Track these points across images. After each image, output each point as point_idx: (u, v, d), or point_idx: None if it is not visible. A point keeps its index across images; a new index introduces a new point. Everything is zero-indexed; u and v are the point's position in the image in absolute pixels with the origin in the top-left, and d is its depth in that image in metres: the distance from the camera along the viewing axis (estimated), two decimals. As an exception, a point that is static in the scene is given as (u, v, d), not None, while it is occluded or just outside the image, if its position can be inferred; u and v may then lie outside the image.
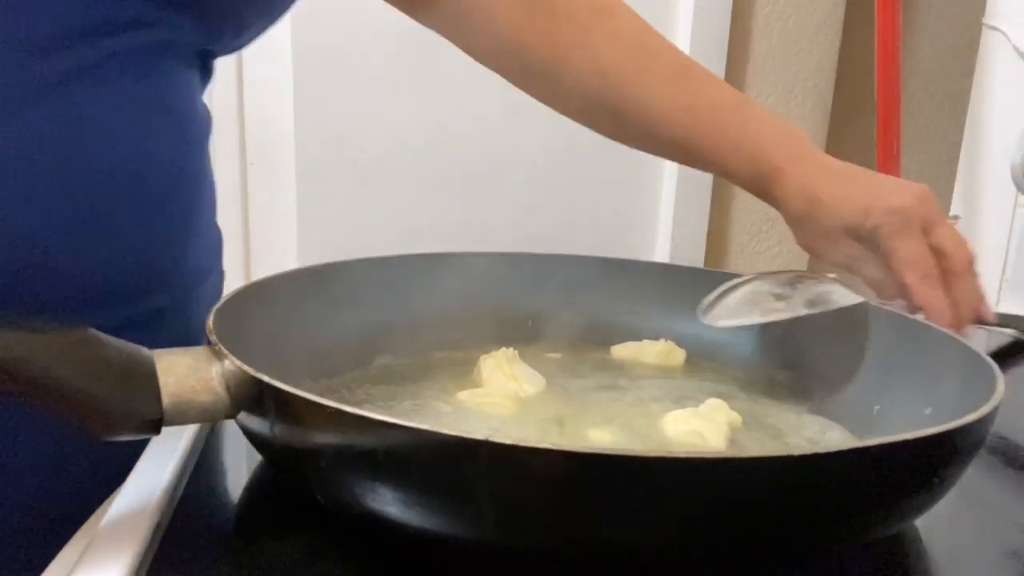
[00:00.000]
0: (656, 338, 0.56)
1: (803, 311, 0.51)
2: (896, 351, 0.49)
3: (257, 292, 0.48)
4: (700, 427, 0.43)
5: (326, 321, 0.52)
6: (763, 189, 0.59)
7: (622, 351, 0.56)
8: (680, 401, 0.47)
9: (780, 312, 0.51)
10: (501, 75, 0.63)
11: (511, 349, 0.51)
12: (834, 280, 0.53)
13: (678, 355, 0.55)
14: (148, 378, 0.35)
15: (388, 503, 0.32)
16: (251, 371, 0.34)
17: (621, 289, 0.59)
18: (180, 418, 0.36)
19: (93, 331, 0.35)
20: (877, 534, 0.35)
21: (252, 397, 0.35)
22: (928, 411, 0.42)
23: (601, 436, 0.43)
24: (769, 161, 0.57)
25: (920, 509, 0.35)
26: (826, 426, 0.47)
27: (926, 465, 0.33)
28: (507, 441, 0.29)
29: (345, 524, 0.37)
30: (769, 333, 0.55)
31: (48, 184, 0.41)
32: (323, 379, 0.49)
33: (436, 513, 0.32)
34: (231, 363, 0.35)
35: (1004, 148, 1.04)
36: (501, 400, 0.47)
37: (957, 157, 1.17)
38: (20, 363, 0.32)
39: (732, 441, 0.43)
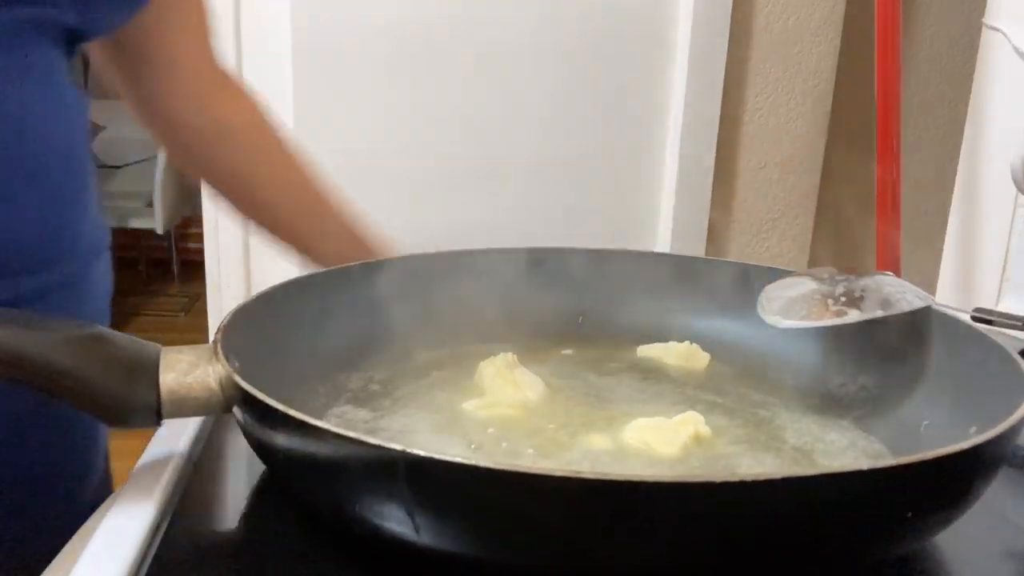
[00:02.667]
0: (684, 339, 0.55)
1: (879, 313, 0.47)
2: (955, 361, 0.46)
3: (275, 297, 0.49)
4: (653, 437, 0.43)
5: (340, 323, 0.52)
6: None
7: (648, 351, 0.56)
8: (671, 408, 0.47)
9: (854, 315, 0.47)
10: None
11: (511, 354, 0.51)
12: (891, 276, 0.50)
13: (701, 358, 0.55)
14: (149, 374, 0.38)
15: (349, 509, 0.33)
16: (234, 375, 0.36)
17: (662, 286, 0.59)
18: (177, 412, 0.38)
19: (103, 329, 0.38)
20: (892, 551, 0.34)
21: (235, 397, 0.37)
22: (973, 430, 0.38)
23: (602, 442, 0.44)
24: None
25: (943, 524, 0.34)
26: (858, 440, 0.45)
27: (938, 484, 0.32)
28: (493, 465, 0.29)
29: (341, 529, 0.37)
30: (821, 337, 0.53)
31: None
32: (339, 376, 0.50)
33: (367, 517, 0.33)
34: (222, 365, 0.37)
35: (1004, 148, 1.04)
36: (508, 410, 0.47)
37: (957, 157, 1.17)
38: (34, 358, 0.36)
39: (691, 453, 0.42)
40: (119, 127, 3.88)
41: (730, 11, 1.42)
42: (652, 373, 0.53)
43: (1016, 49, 1.05)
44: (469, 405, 0.47)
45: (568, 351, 0.56)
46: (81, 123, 0.52)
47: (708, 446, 0.43)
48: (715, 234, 1.54)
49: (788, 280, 0.51)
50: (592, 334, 0.58)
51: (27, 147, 0.46)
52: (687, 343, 0.55)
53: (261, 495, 0.41)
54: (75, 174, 0.51)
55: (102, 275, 0.55)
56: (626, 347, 0.56)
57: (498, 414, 0.46)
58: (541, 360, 0.53)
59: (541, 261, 0.60)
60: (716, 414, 0.48)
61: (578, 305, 0.59)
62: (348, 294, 0.53)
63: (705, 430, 0.44)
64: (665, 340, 0.56)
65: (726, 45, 1.43)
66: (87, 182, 0.52)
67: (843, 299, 0.48)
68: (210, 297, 1.28)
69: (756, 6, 1.44)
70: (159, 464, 0.42)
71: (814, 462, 0.43)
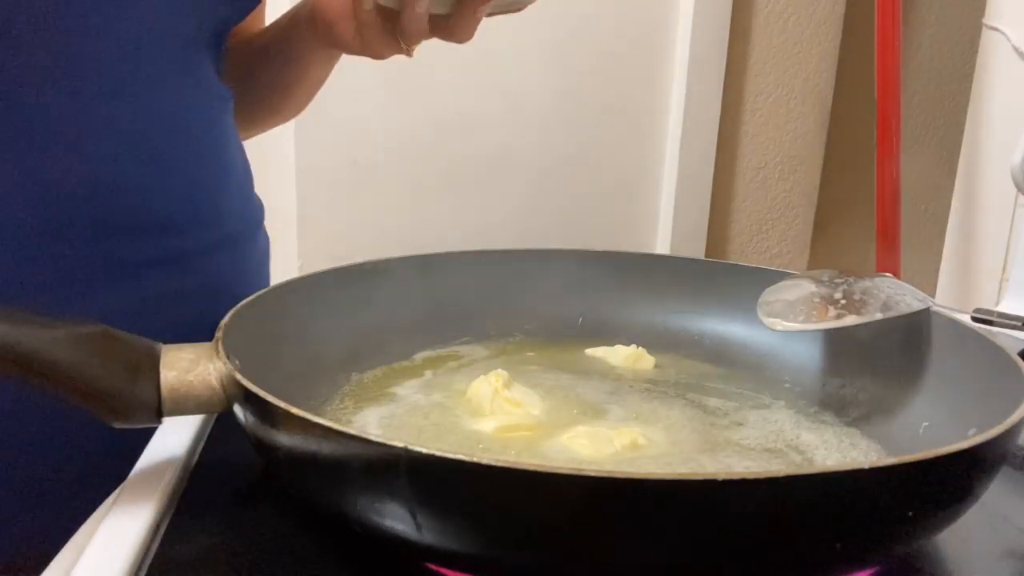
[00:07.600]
0: (686, 341, 0.56)
1: (878, 316, 0.47)
2: (954, 362, 0.46)
3: (275, 297, 0.48)
4: (583, 443, 0.43)
5: (340, 323, 0.52)
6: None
7: (595, 353, 0.56)
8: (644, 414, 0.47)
9: (853, 318, 0.47)
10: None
11: (503, 372, 0.50)
12: (890, 278, 0.50)
13: (647, 361, 0.55)
14: (150, 371, 0.38)
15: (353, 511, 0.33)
16: (236, 373, 0.36)
17: (662, 288, 0.59)
18: (178, 409, 0.38)
19: (104, 326, 0.38)
20: (892, 551, 0.34)
21: (236, 395, 0.37)
22: (972, 431, 0.38)
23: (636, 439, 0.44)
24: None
25: (943, 524, 0.34)
26: (857, 441, 0.45)
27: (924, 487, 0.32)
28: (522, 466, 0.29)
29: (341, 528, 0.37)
30: (820, 339, 0.53)
31: (124, 146, 0.51)
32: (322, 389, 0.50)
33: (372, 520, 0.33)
34: (223, 362, 0.37)
35: (1004, 148, 1.04)
36: (526, 431, 0.46)
37: (957, 157, 1.17)
38: (34, 354, 0.35)
39: (621, 461, 0.42)
40: (119, 127, 3.88)
41: (730, 11, 1.42)
42: (647, 376, 0.53)
43: (1016, 49, 1.05)
44: (484, 427, 0.46)
45: (531, 354, 0.56)
46: (227, 110, 0.61)
47: (643, 453, 0.43)
48: (715, 234, 1.54)
49: (787, 282, 0.51)
50: (591, 335, 0.58)
51: (179, 136, 0.55)
52: (633, 346, 0.56)
53: (261, 495, 0.41)
54: (215, 157, 0.60)
55: (262, 240, 0.66)
56: (574, 348, 0.57)
57: (515, 436, 0.45)
58: (531, 363, 0.53)
59: (539, 262, 0.60)
60: (712, 415, 0.48)
61: (578, 307, 0.59)
62: (348, 294, 0.53)
63: (641, 442, 0.44)
64: (667, 341, 0.56)
65: (726, 45, 1.44)
66: (228, 161, 0.61)
67: (842, 302, 0.48)
68: (210, 297, 1.28)
69: (756, 6, 1.45)
70: (159, 464, 0.42)
71: (813, 463, 0.43)
